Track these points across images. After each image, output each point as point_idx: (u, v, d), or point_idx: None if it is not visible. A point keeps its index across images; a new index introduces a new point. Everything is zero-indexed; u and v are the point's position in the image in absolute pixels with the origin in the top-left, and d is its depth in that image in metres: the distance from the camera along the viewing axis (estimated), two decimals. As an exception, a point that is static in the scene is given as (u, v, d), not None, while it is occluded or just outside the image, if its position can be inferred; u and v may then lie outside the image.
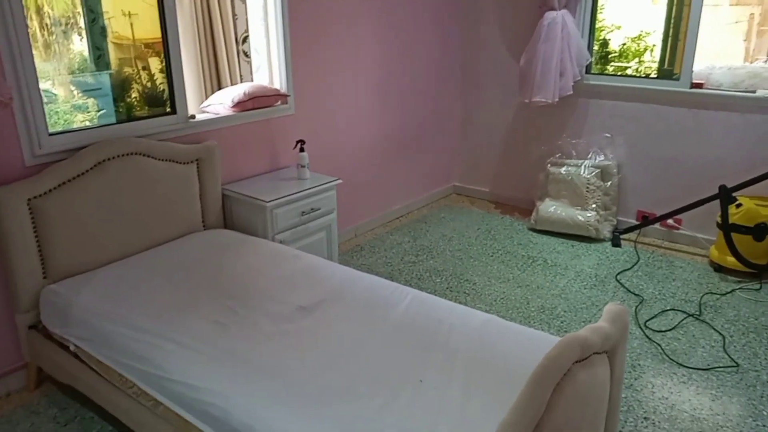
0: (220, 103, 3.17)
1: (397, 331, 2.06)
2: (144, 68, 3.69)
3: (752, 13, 6.28)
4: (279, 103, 3.38)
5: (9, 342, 2.49)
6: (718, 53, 6.47)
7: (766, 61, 4.26)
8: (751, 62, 5.11)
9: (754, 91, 3.69)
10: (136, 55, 3.68)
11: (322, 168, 3.62)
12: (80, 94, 3.49)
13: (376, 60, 3.98)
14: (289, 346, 1.97)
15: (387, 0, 3.95)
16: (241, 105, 3.16)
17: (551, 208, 4.15)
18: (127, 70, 3.66)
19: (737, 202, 3.51)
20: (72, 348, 2.23)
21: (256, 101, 3.22)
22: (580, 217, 4.04)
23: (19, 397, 2.49)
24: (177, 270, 2.49)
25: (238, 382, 1.80)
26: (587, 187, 4.10)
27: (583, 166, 4.15)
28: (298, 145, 3.22)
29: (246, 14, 3.57)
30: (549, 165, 4.30)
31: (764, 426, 2.30)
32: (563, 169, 4.20)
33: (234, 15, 3.89)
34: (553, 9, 4.01)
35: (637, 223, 4.09)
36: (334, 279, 2.46)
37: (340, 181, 3.29)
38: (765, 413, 2.37)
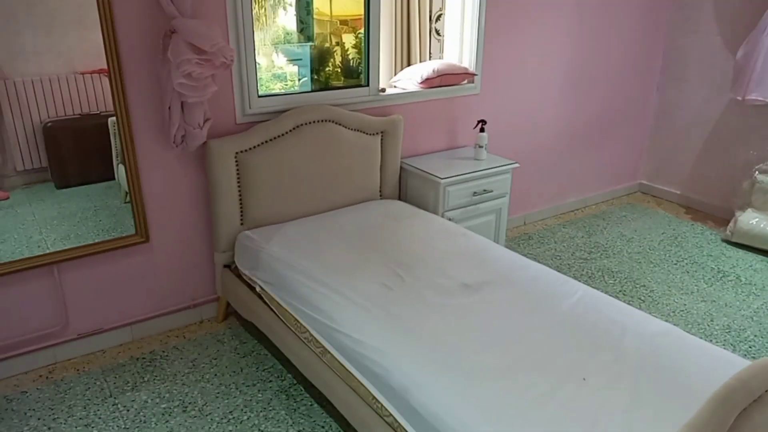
0: (409, 79, 3.27)
1: (564, 325, 1.99)
2: (338, 43, 3.92)
3: None
4: (465, 81, 3.39)
5: (207, 277, 2.85)
6: None
7: None
8: None
9: None
10: (332, 31, 3.92)
11: (499, 150, 3.57)
12: (281, 64, 3.80)
13: (568, 43, 3.80)
14: (451, 320, 2.01)
15: (590, -20, 3.74)
16: (429, 81, 3.23)
17: (753, 221, 3.68)
18: (326, 43, 3.92)
19: None
20: (258, 289, 2.49)
21: (443, 78, 3.26)
22: (789, 235, 3.53)
23: (209, 325, 2.85)
24: (352, 233, 2.65)
25: (401, 346, 1.87)
26: (803, 202, 3.57)
27: (800, 177, 3.61)
28: (479, 125, 3.21)
29: (442, -8, 3.61)
30: (756, 172, 3.81)
31: None
32: (775, 178, 3.69)
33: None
34: (786, -6, 3.50)
35: None
36: (501, 262, 2.44)
37: (517, 165, 3.23)
38: None
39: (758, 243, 3.65)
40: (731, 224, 3.80)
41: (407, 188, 3.21)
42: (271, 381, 2.45)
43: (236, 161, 2.62)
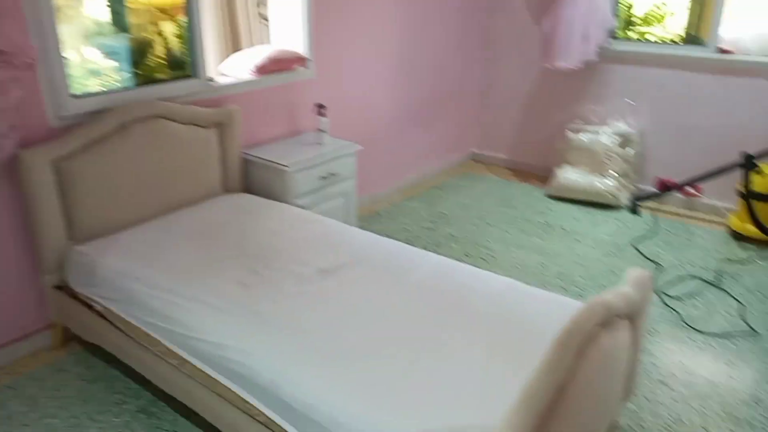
0: (241, 67, 3.16)
1: (419, 294, 2.08)
2: (158, 33, 3.67)
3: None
4: (299, 66, 3.35)
5: (34, 302, 2.54)
6: (749, 17, 6.30)
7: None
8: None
9: (782, 57, 3.61)
10: (150, 20, 3.66)
11: (341, 134, 3.60)
12: (96, 59, 3.48)
13: (396, 26, 3.92)
14: (312, 307, 2.00)
15: (407, -39, 3.87)
16: (262, 69, 3.15)
17: (570, 176, 4.12)
18: (144, 33, 3.65)
19: (759, 170, 3.46)
20: (98, 308, 2.28)
21: (276, 65, 3.20)
22: (599, 185, 4.01)
23: (46, 355, 2.56)
24: (199, 232, 2.52)
25: (264, 342, 1.84)
26: (607, 155, 4.06)
27: (603, 133, 4.10)
28: (318, 110, 3.21)
29: (264, -24, 3.51)
30: (568, 132, 4.26)
31: (781, 392, 2.32)
32: (583, 136, 4.15)
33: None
34: (577, -29, 3.91)
35: (657, 190, 4.05)
36: (355, 243, 2.48)
37: (359, 146, 3.28)
38: (782, 380, 2.39)
39: (576, 195, 4.10)
40: (552, 180, 4.22)
41: (252, 180, 3.12)
42: (126, 403, 2.27)
43: (56, 170, 2.35)
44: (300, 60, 3.32)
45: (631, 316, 1.75)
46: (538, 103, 4.57)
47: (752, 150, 3.52)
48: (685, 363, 2.49)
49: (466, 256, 3.38)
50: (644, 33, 5.73)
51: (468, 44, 4.63)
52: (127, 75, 3.54)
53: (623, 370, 1.82)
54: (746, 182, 3.48)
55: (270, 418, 1.70)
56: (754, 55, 3.69)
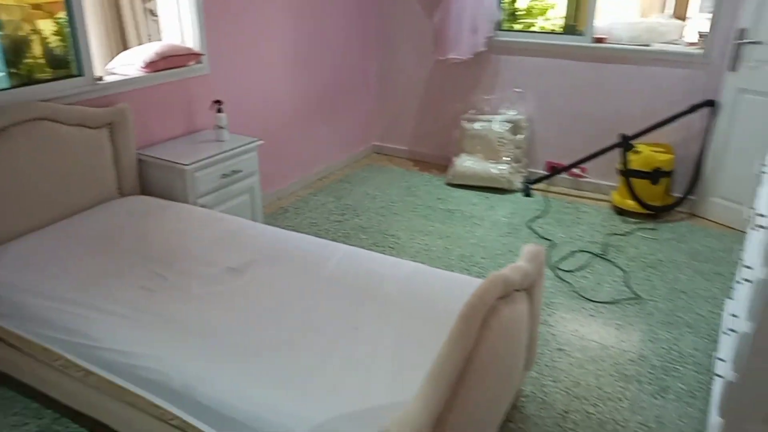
0: (130, 64, 3.03)
1: (330, 285, 2.11)
2: (35, 31, 3.44)
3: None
4: (193, 62, 3.27)
5: None
6: (619, 8, 6.83)
7: (660, 16, 4.54)
8: (646, 17, 5.44)
9: (649, 45, 3.96)
10: (23, 17, 3.42)
11: (241, 129, 3.55)
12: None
13: (290, 20, 3.90)
14: (223, 307, 1.99)
15: (298, -45, 3.87)
16: (152, 65, 3.03)
17: (467, 163, 4.31)
18: (19, 31, 3.39)
19: (636, 149, 3.79)
20: (-13, 325, 2.13)
21: (168, 61, 3.09)
22: (494, 171, 4.22)
23: (-71, 382, 2.35)
24: (96, 238, 2.41)
25: (174, 345, 1.80)
26: (500, 142, 4.28)
27: (495, 121, 4.32)
28: (215, 106, 3.15)
29: (149, -31, 3.38)
30: (463, 121, 4.44)
31: (662, 347, 2.58)
32: (477, 125, 4.35)
33: (135, -30, 3.68)
34: (463, -34, 4.08)
35: (546, 173, 4.33)
36: (263, 239, 2.47)
37: (261, 141, 3.25)
38: (661, 337, 2.65)
39: (473, 181, 4.29)
40: (451, 168, 4.39)
41: (149, 181, 3.01)
42: (26, 424, 2.14)
43: (-76, 181, 2.16)
44: (193, 55, 3.23)
45: (527, 288, 1.88)
46: (433, 94, 4.72)
47: (629, 131, 3.86)
48: (580, 330, 2.70)
49: (375, 245, 3.46)
50: (529, 24, 6.07)
51: (363, 37, 4.69)
52: (2, 76, 3.28)
53: (524, 340, 1.96)
54: (624, 161, 3.80)
55: (186, 422, 1.67)
56: (625, 43, 4.03)
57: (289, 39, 3.93)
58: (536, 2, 6.56)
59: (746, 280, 2.03)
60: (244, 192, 3.21)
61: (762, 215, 2.01)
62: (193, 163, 2.87)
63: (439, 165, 4.76)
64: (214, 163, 2.98)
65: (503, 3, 4.41)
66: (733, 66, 3.49)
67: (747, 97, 3.48)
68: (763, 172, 2.29)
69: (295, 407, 1.54)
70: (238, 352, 1.76)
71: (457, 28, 4.12)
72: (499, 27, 4.36)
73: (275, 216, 3.85)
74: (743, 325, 1.90)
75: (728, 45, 3.51)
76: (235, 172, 3.10)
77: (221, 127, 3.16)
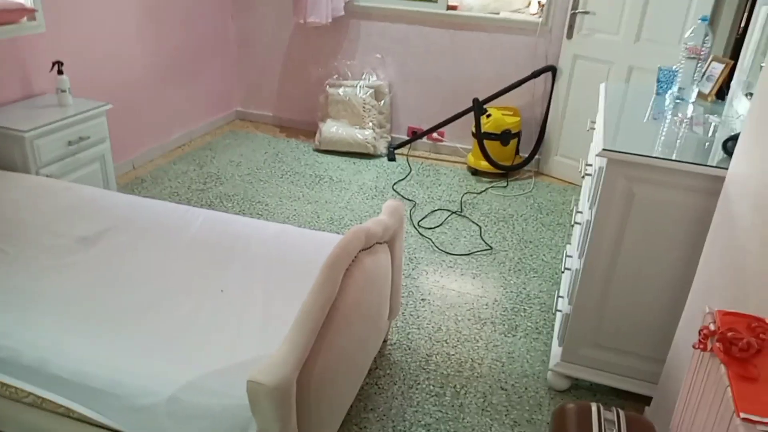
0: (-54, 18, 2.68)
1: (193, 250, 2.07)
2: None
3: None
4: (25, 19, 2.95)
5: None
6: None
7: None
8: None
9: (498, 13, 4.22)
10: None
11: (86, 93, 3.29)
12: None
13: (137, -26, 3.65)
14: (77, 277, 1.88)
15: None
16: (-26, 21, 2.71)
17: (333, 129, 4.35)
18: None
19: (488, 113, 4.05)
20: None
21: (-7, 16, 2.77)
22: (359, 136, 4.30)
23: None
24: None
25: (24, 320, 1.68)
26: (363, 107, 4.36)
27: (358, 87, 4.39)
28: (55, 67, 2.89)
29: None
30: (327, 87, 4.46)
31: (511, 291, 2.84)
32: (341, 90, 4.39)
33: None
34: (322, -72, 4.04)
35: (408, 138, 4.49)
36: (117, 208, 2.34)
37: (109, 105, 3.04)
38: (512, 282, 2.91)
39: (339, 147, 4.34)
40: (317, 135, 4.41)
41: (-19, 151, 2.72)
42: None
43: None
44: (24, 11, 2.92)
45: (389, 240, 1.98)
46: (296, 59, 4.68)
47: (482, 96, 4.11)
48: (440, 281, 2.89)
49: (242, 213, 3.41)
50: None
51: (220, -1, 4.51)
52: None
53: (387, 290, 2.07)
54: (477, 124, 4.05)
55: (40, 396, 1.58)
56: (476, 11, 4.25)
57: (137, -3, 3.68)
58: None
59: (577, 223, 2.29)
60: (93, 160, 3.00)
61: (589, 164, 2.27)
62: (32, 129, 2.63)
63: (306, 131, 4.76)
64: (57, 129, 2.75)
65: (362, -32, 4.45)
66: (569, 34, 3.83)
67: (580, 62, 3.84)
68: (593, 129, 2.57)
69: (160, 369, 1.52)
70: (95, 321, 1.68)
71: (315, -9, 4.10)
72: (358, -8, 4.40)
73: (131, 186, 3.64)
74: (575, 263, 2.15)
75: (564, 14, 3.84)
76: (82, 138, 2.88)
77: (63, 91, 2.91)
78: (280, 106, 4.88)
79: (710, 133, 2.07)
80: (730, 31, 3.15)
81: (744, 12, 3.02)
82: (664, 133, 2.03)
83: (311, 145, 4.50)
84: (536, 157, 4.20)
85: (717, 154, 1.84)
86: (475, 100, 4.02)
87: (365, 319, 1.79)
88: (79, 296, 1.78)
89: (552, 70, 3.98)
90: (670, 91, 2.48)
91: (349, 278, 1.59)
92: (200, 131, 4.55)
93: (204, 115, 4.58)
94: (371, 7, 4.35)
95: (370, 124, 4.39)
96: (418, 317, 2.61)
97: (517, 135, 4.09)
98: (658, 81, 2.50)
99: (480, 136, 4.03)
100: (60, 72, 2.89)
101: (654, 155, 1.80)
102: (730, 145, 1.77)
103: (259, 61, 4.78)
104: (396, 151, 4.44)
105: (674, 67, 2.46)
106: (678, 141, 1.96)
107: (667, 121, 2.18)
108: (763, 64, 2.22)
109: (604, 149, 1.82)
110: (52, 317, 1.70)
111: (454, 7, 4.24)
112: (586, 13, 3.69)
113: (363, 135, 4.32)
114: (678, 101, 2.41)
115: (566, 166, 4.07)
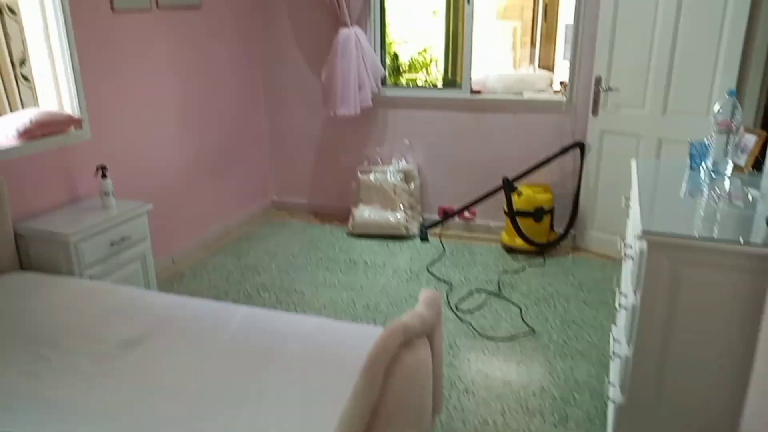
0: (2, 134, 2.86)
1: (232, 350, 2.06)
2: None
3: (515, 27, 7.29)
4: (72, 128, 3.13)
5: None
6: (493, 61, 7.39)
7: (528, 68, 4.98)
8: (517, 69, 5.93)
9: (521, 94, 4.31)
10: None
11: (130, 194, 3.42)
12: None
13: (176, 79, 3.87)
14: (116, 385, 1.87)
15: (183, 22, 3.87)
16: (28, 134, 2.88)
17: (365, 213, 4.40)
18: None
19: (518, 191, 4.06)
20: None
21: (45, 128, 2.95)
22: (392, 219, 4.34)
23: None
24: (-33, 324, 2.21)
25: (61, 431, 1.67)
26: (394, 191, 4.42)
27: (388, 172, 4.47)
28: (100, 172, 3.03)
29: (22, 35, 3.25)
30: (359, 173, 4.55)
31: (559, 378, 2.72)
32: (372, 176, 4.48)
33: (6, 35, 3.51)
34: (345, 25, 4.26)
35: (439, 218, 4.51)
36: (156, 308, 2.37)
37: (150, 206, 3.15)
38: (558, 367, 2.80)
39: (372, 230, 4.38)
40: (350, 219, 4.46)
41: (30, 255, 2.81)
42: None
43: None
44: (73, 121, 3.11)
45: (427, 333, 1.94)
46: (327, 148, 4.82)
47: (510, 174, 4.13)
48: (483, 369, 2.80)
49: (278, 303, 3.41)
50: (413, 79, 6.41)
51: (251, 96, 4.73)
52: None
53: (429, 385, 2.00)
54: (509, 202, 4.05)
55: None
56: (500, 93, 4.36)
57: (176, 98, 3.89)
58: (418, 57, 6.97)
59: (622, 306, 2.21)
60: (135, 259, 3.08)
61: (629, 245, 2.22)
62: (77, 232, 2.72)
63: (340, 216, 4.82)
64: (100, 231, 2.85)
65: (387, 60, 4.64)
66: (595, 110, 3.86)
67: (608, 137, 3.85)
68: (629, 206, 2.53)
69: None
70: (137, 431, 1.66)
71: (343, 85, 4.27)
72: (384, 82, 4.56)
73: (171, 281, 3.70)
74: (624, 349, 2.06)
75: (588, 91, 3.90)
76: (124, 239, 2.97)
77: (107, 194, 3.03)
78: (313, 193, 4.98)
79: (752, 208, 2.01)
80: (758, 100, 3.14)
81: (771, 81, 3.02)
82: (703, 210, 1.99)
83: (345, 230, 4.54)
84: (571, 232, 4.15)
85: (762, 230, 1.78)
86: (505, 180, 4.04)
87: (409, 420, 1.72)
88: (119, 409, 1.77)
89: (580, 146, 4.00)
90: (704, 165, 2.45)
91: (389, 378, 1.55)
92: (237, 222, 4.66)
93: (240, 206, 4.71)
94: (397, 97, 4.50)
95: (402, 206, 4.43)
96: (462, 410, 2.51)
97: (551, 211, 4.07)
98: (691, 155, 2.48)
99: (512, 214, 4.02)
100: (104, 176, 3.02)
101: (696, 235, 1.75)
102: (775, 222, 1.72)
103: (291, 151, 4.94)
104: (429, 232, 4.45)
105: (706, 141, 2.44)
106: (719, 218, 1.91)
107: (705, 196, 2.14)
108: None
109: (644, 231, 1.78)
110: (91, 429, 1.68)
111: (477, 92, 4.35)
112: (610, 89, 3.74)
113: (395, 218, 4.35)
114: (713, 175, 2.37)
115: (604, 240, 4.00)
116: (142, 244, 3.11)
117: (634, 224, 2.06)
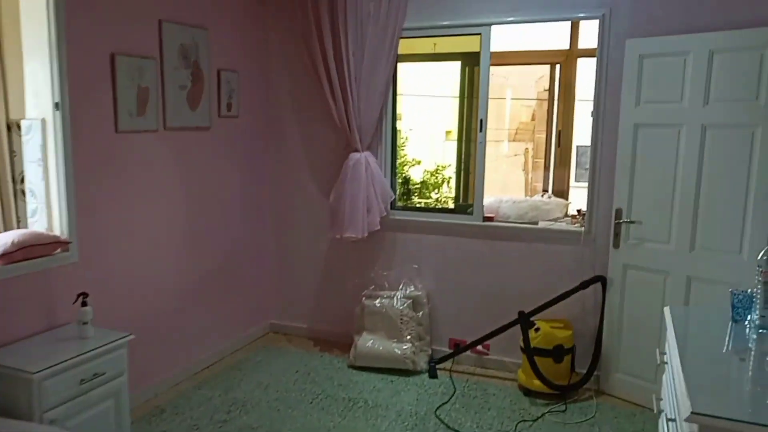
0: (-21, 256, 2.67)
1: None
2: None
3: (527, 148, 7.32)
4: (59, 251, 2.95)
5: None
6: (505, 184, 7.34)
7: (543, 195, 4.83)
8: (532, 193, 5.81)
9: (536, 223, 4.11)
10: None
11: (114, 319, 3.16)
12: None
13: (178, 200, 3.74)
14: None
15: (190, 142, 3.81)
16: (8, 257, 2.69)
17: (369, 343, 4.08)
18: None
19: (536, 327, 3.74)
20: None
21: (27, 251, 2.76)
22: (397, 350, 4.00)
23: None
24: None
25: None
26: (401, 319, 4.12)
27: (395, 298, 4.19)
28: (79, 299, 2.79)
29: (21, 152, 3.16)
30: (364, 298, 4.28)
31: None
32: (377, 302, 4.20)
33: (12, 152, 3.45)
34: (356, 151, 4.18)
35: (450, 351, 4.16)
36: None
37: (131, 336, 2.88)
38: None
39: (376, 363, 4.03)
40: (352, 350, 4.13)
41: (-12, 393, 2.52)
42: None
43: None
44: (60, 244, 2.93)
45: None
46: (332, 271, 4.59)
47: (527, 306, 3.83)
48: None
49: (264, 450, 3.02)
50: (425, 199, 6.32)
51: (258, 216, 4.60)
52: None
53: None
54: (525, 339, 3.72)
55: None
56: (513, 221, 4.17)
57: (176, 218, 3.74)
58: (431, 178, 6.94)
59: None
60: (107, 397, 2.76)
61: (671, 419, 1.88)
62: (42, 370, 2.44)
63: (342, 343, 4.48)
64: (71, 367, 2.56)
65: (397, 183, 4.53)
66: (616, 243, 3.63)
67: (632, 272, 3.59)
68: (664, 362, 2.22)
69: None
70: None
71: (352, 208, 4.12)
72: (393, 205, 4.42)
73: (149, 419, 3.34)
74: None
75: (608, 222, 3.68)
76: (97, 375, 2.68)
77: (85, 323, 2.78)
78: (315, 317, 4.69)
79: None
80: (797, 241, 2.90)
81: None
82: (759, 383, 1.68)
83: (346, 361, 4.19)
84: (595, 373, 3.77)
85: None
86: (521, 314, 3.74)
87: None
88: None
89: (602, 280, 3.73)
90: (749, 318, 2.16)
91: None
92: (231, 348, 4.34)
93: (235, 330, 4.41)
94: (407, 221, 4.34)
95: (409, 336, 4.10)
96: None
97: (571, 350, 3.72)
98: (734, 307, 2.20)
99: (530, 352, 3.68)
100: (84, 303, 2.79)
101: (757, 421, 1.44)
102: None
103: (295, 273, 4.72)
104: (438, 366, 4.08)
105: (749, 290, 2.17)
106: (782, 395, 1.60)
107: (755, 359, 1.84)
108: None
109: (693, 413, 1.47)
110: None
111: (490, 218, 4.17)
112: (632, 222, 3.53)
113: (401, 349, 4.02)
114: (762, 331, 2.08)
115: (631, 385, 3.61)
116: (118, 379, 2.81)
117: (680, 396, 1.74)
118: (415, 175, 6.73)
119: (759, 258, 2.07)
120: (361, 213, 4.13)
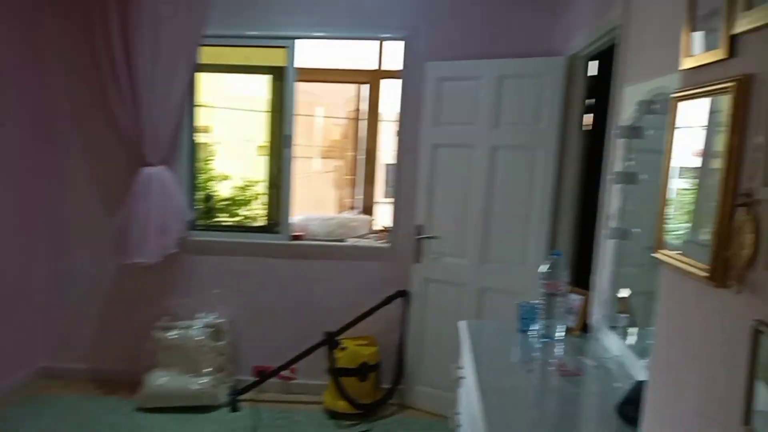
0: None
1: None
2: None
3: (337, 165, 7.34)
4: None
5: None
6: (317, 201, 7.26)
7: (351, 212, 4.81)
8: (342, 210, 5.80)
9: (344, 240, 4.06)
10: None
11: None
12: None
13: None
14: None
15: None
16: None
17: (161, 380, 3.65)
18: None
19: (342, 346, 3.65)
20: None
21: None
22: (194, 386, 3.63)
23: None
24: None
25: None
26: (200, 350, 3.75)
27: (193, 327, 3.81)
28: None
29: None
30: (156, 330, 3.83)
31: None
32: (172, 333, 3.77)
33: None
34: (149, 165, 3.75)
35: (254, 380, 3.89)
36: None
37: None
38: None
39: (169, 402, 3.61)
40: (141, 390, 3.65)
41: None
42: None
43: None
44: None
45: None
46: (119, 300, 4.05)
47: (335, 326, 3.73)
48: None
49: None
50: (234, 217, 5.97)
51: (25, 235, 3.90)
52: None
53: None
54: (331, 359, 3.61)
55: None
56: (321, 238, 4.06)
57: None
58: (240, 194, 6.59)
59: None
60: None
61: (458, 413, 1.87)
62: None
63: (130, 383, 3.91)
64: None
65: (197, 202, 4.17)
66: (417, 258, 3.71)
67: (433, 285, 3.69)
68: (461, 377, 2.24)
69: None
70: None
71: (142, 230, 3.68)
72: (192, 226, 4.04)
73: None
74: None
75: (410, 238, 3.75)
76: None
77: None
78: (97, 356, 4.09)
79: (592, 385, 1.81)
80: (575, 261, 3.18)
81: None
82: (544, 396, 1.73)
83: (134, 403, 3.68)
84: (399, 387, 3.78)
85: (612, 423, 1.54)
86: (327, 334, 3.63)
87: None
88: None
89: (404, 294, 3.78)
90: (534, 327, 2.28)
91: None
92: (-15, 400, 3.58)
93: (-7, 378, 3.66)
94: (209, 242, 4.00)
95: (208, 369, 3.75)
96: None
97: (376, 366, 3.70)
98: (521, 318, 2.30)
99: (335, 373, 3.57)
100: None
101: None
102: (627, 409, 1.48)
103: (72, 305, 4.07)
104: (241, 398, 3.78)
105: (534, 302, 2.29)
106: (565, 408, 1.66)
107: (539, 367, 1.91)
108: (620, 295, 2.11)
109: (486, 432, 1.44)
110: None
111: (298, 236, 4.02)
112: (432, 238, 3.63)
113: (199, 384, 3.66)
114: (545, 340, 2.19)
115: (432, 396, 3.69)
116: None
117: (477, 411, 1.72)
118: (224, 192, 6.35)
119: (539, 271, 2.19)
120: (153, 235, 3.71)
